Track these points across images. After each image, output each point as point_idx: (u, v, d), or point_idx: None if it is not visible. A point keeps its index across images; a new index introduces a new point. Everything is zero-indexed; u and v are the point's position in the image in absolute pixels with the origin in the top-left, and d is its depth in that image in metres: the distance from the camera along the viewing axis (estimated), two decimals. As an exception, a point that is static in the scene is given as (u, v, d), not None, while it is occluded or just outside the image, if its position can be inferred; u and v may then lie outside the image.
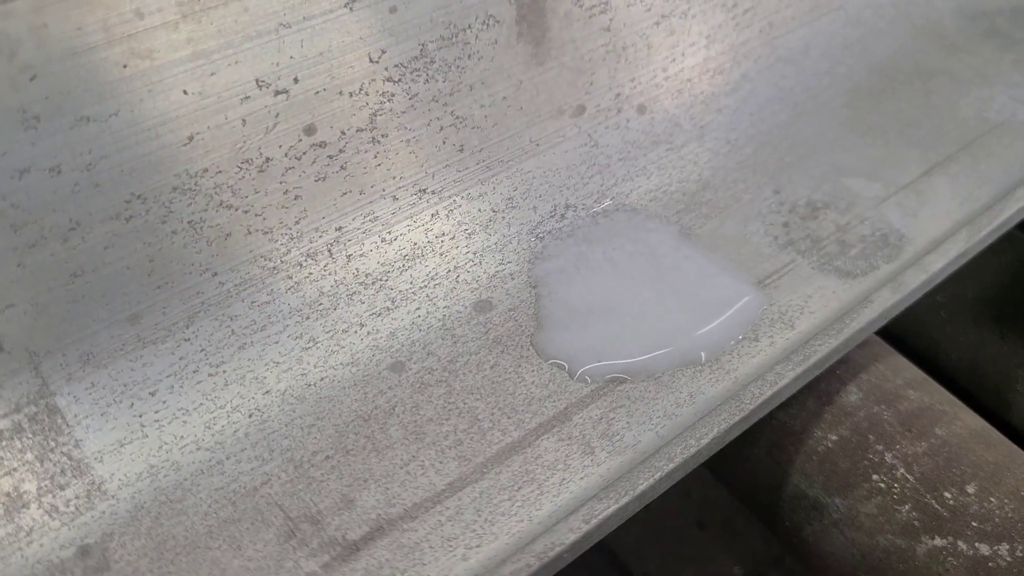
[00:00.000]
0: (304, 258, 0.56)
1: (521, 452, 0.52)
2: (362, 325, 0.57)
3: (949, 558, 0.56)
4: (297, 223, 0.56)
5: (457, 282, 0.60)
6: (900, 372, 0.65)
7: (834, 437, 0.62)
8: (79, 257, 0.48)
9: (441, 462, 0.51)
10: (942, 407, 0.63)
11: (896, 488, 0.59)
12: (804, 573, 0.69)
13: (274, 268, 0.55)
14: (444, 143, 0.61)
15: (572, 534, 0.47)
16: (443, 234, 0.61)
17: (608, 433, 0.53)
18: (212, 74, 0.49)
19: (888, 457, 0.60)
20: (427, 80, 0.58)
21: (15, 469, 0.46)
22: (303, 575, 0.46)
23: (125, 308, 0.50)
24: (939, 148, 0.74)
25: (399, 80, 0.56)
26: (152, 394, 0.51)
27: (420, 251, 0.60)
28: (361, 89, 0.55)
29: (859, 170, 0.72)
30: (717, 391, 0.55)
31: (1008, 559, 0.54)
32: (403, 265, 0.59)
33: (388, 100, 0.57)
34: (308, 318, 0.56)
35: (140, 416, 0.50)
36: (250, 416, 0.52)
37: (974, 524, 0.56)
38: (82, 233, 0.47)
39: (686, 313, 0.60)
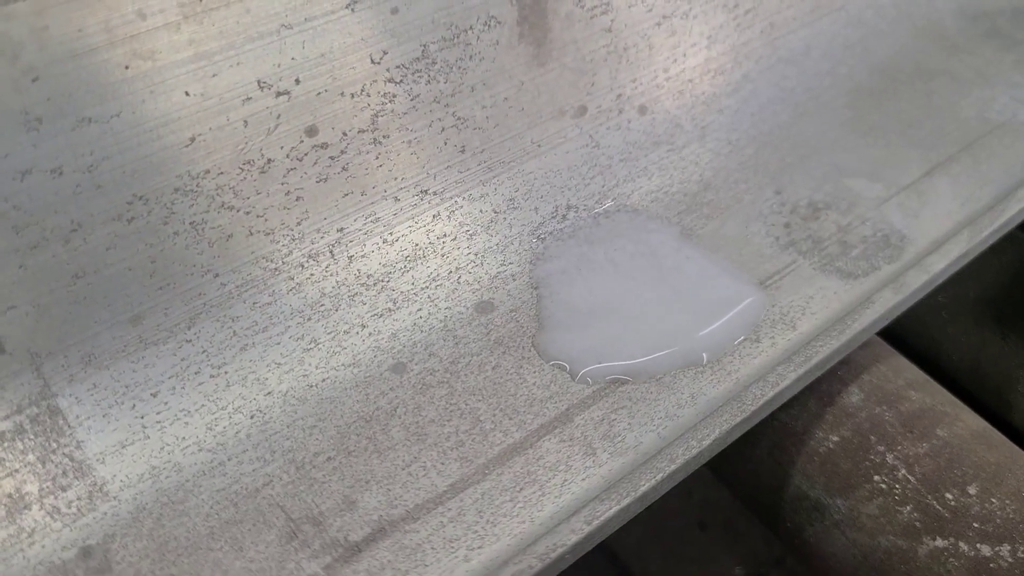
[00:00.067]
0: (306, 259, 0.56)
1: (523, 453, 0.52)
2: (364, 326, 0.57)
3: (950, 559, 0.56)
4: (299, 224, 0.56)
5: (459, 283, 0.60)
6: (901, 373, 0.65)
7: (835, 438, 0.62)
8: (81, 258, 0.48)
9: (443, 463, 0.51)
10: (943, 408, 0.63)
11: (897, 489, 0.59)
12: (806, 574, 0.69)
13: (276, 269, 0.55)
14: (446, 144, 0.61)
15: (574, 535, 0.47)
16: (445, 235, 0.61)
17: (610, 434, 0.53)
18: (214, 75, 0.49)
19: (889, 458, 0.60)
20: (429, 81, 0.58)
21: (17, 470, 0.46)
22: (305, 576, 0.46)
23: (127, 309, 0.50)
24: (940, 149, 0.74)
25: (401, 81, 0.56)
26: (154, 395, 0.51)
27: (422, 252, 0.60)
28: (363, 90, 0.55)
29: (860, 171, 0.72)
30: (719, 392, 0.55)
31: (1010, 560, 0.54)
32: (405, 266, 0.59)
33: (390, 101, 0.57)
34: (310, 319, 0.56)
35: (142, 417, 0.50)
36: (252, 417, 0.52)
37: (975, 525, 0.56)
38: (84, 234, 0.47)
39: (688, 314, 0.60)
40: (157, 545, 0.47)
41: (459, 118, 0.60)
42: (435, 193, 0.61)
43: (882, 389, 0.64)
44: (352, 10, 0.52)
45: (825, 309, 0.60)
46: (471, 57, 0.59)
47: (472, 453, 0.52)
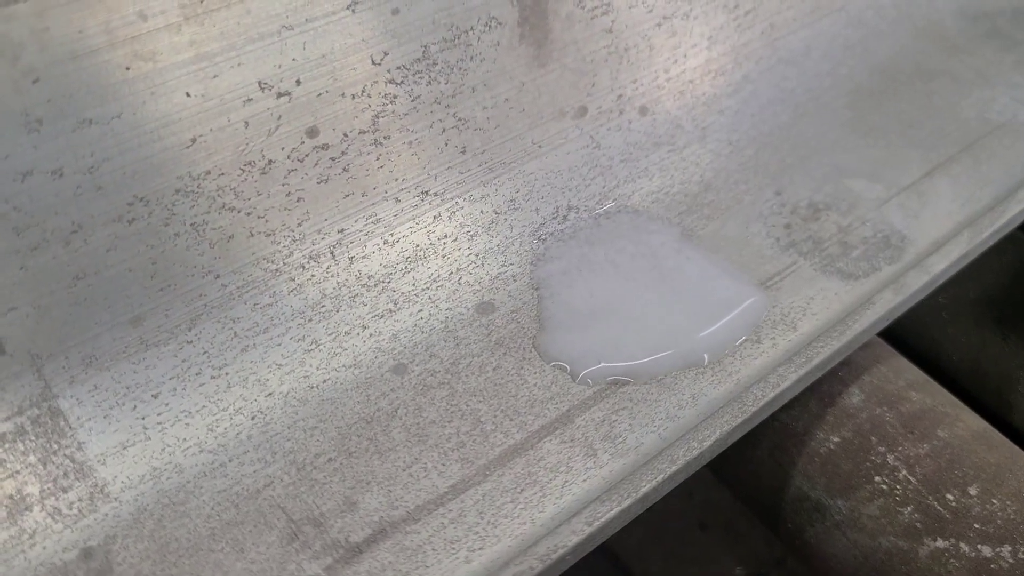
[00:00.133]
0: (306, 260, 0.56)
1: (524, 454, 0.52)
2: (364, 327, 0.57)
3: (951, 560, 0.56)
4: (299, 225, 0.56)
5: (459, 284, 0.60)
6: (902, 374, 0.65)
7: (836, 439, 0.62)
8: (81, 260, 0.48)
9: (444, 464, 0.51)
10: (944, 409, 0.63)
11: (898, 490, 0.59)
12: (806, 575, 0.69)
13: (276, 270, 0.55)
14: (446, 145, 0.61)
15: (575, 536, 0.47)
16: (445, 236, 0.61)
17: (610, 435, 0.53)
18: (215, 76, 0.49)
19: (890, 459, 0.60)
20: (429, 82, 0.58)
21: (18, 472, 0.46)
22: (306, 578, 0.46)
23: (127, 310, 0.50)
24: (941, 149, 0.74)
25: (401, 82, 0.56)
26: (155, 396, 0.51)
27: (422, 253, 0.60)
28: (363, 91, 0.55)
29: (861, 171, 0.72)
30: (719, 393, 0.55)
31: (1010, 561, 0.54)
32: (405, 267, 0.59)
33: (390, 102, 0.57)
34: (310, 320, 0.56)
35: (143, 418, 0.50)
36: (253, 418, 0.52)
37: (976, 526, 0.56)
38: (84, 236, 0.47)
39: (688, 315, 0.60)
40: (158, 546, 0.47)
41: (460, 119, 0.60)
42: (436, 194, 0.61)
43: (883, 390, 0.64)
44: (353, 11, 0.52)
45: (826, 310, 0.60)
46: (472, 58, 0.59)
47: (473, 454, 0.52)
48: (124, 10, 0.44)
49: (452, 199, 0.62)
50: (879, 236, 0.66)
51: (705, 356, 0.57)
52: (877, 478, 0.60)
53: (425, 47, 0.56)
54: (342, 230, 0.57)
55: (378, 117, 0.56)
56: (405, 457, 0.51)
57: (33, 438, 0.47)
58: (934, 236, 0.66)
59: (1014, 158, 0.74)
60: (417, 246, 0.60)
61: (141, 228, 0.49)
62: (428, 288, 0.59)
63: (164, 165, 0.49)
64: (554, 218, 0.65)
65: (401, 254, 0.59)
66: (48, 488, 0.47)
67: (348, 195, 0.57)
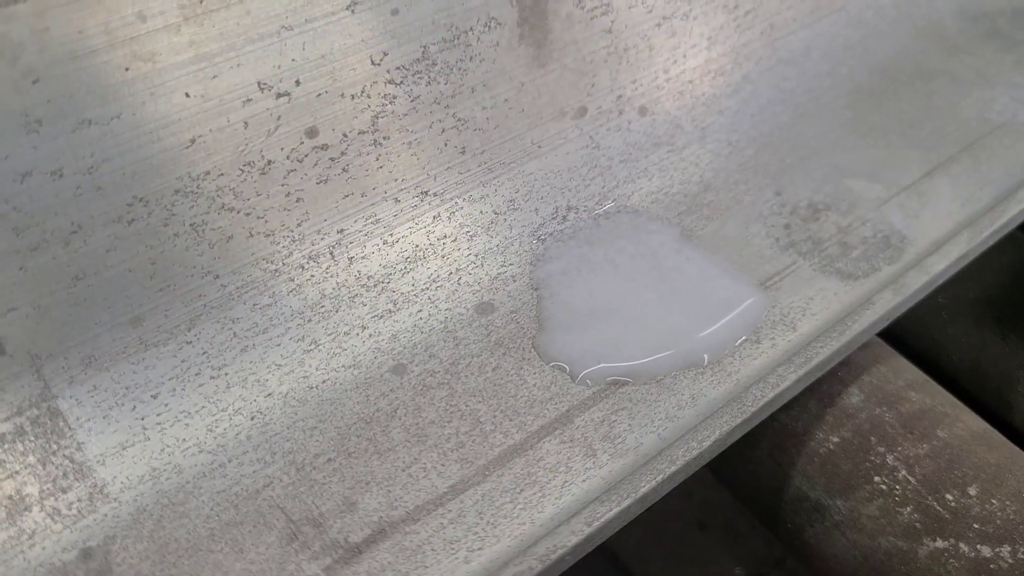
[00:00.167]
0: (306, 260, 0.56)
1: (523, 454, 0.52)
2: (364, 327, 0.57)
3: (951, 560, 0.56)
4: (299, 225, 0.56)
5: (459, 284, 0.60)
6: (901, 374, 0.65)
7: (836, 439, 0.62)
8: (81, 260, 0.48)
9: (443, 464, 0.51)
10: (943, 409, 0.63)
11: (898, 490, 0.59)
12: (806, 575, 0.69)
13: (276, 271, 0.55)
14: (446, 145, 0.61)
15: (574, 536, 0.47)
16: (445, 236, 0.61)
17: (610, 435, 0.53)
18: (214, 77, 0.49)
19: (890, 459, 0.60)
20: (429, 82, 0.58)
21: (17, 472, 0.46)
22: (305, 578, 0.46)
23: (127, 311, 0.50)
24: (941, 149, 0.74)
25: (401, 82, 0.56)
26: (154, 397, 0.51)
27: (422, 253, 0.60)
28: (363, 91, 0.55)
29: (860, 171, 0.72)
30: (719, 393, 0.55)
31: (1010, 561, 0.54)
32: (405, 267, 0.59)
33: (390, 102, 0.57)
34: (310, 320, 0.56)
35: (142, 419, 0.50)
36: (252, 419, 0.52)
37: (976, 526, 0.56)
38: (84, 236, 0.47)
39: (688, 315, 0.60)
40: (158, 547, 0.47)
41: (459, 119, 0.60)
42: (435, 194, 0.61)
43: (882, 390, 0.64)
44: (352, 11, 0.52)
45: (825, 310, 0.60)
46: (471, 58, 0.59)
47: (472, 454, 0.52)
48: (123, 11, 0.44)
49: (451, 199, 0.62)
50: (879, 236, 0.66)
51: (705, 356, 0.57)
52: (877, 478, 0.60)
53: (424, 47, 0.57)
54: (341, 230, 0.57)
55: (377, 117, 0.56)
56: (404, 457, 0.51)
57: (32, 438, 0.47)
58: (934, 236, 0.66)
59: (1014, 158, 0.74)
60: (416, 246, 0.60)
61: (141, 228, 0.49)
62: (427, 288, 0.59)
63: (163, 166, 0.49)
64: (553, 218, 0.65)
65: (400, 254, 0.59)
66: (47, 488, 0.47)
67: (347, 195, 0.57)
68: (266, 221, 0.54)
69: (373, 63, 0.55)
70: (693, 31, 0.72)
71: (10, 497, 0.46)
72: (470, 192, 0.62)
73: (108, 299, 0.49)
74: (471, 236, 0.62)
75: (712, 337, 0.58)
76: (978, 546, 0.55)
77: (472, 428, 0.53)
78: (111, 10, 0.44)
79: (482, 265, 0.62)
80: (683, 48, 0.71)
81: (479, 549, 0.47)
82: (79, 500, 0.47)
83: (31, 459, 0.47)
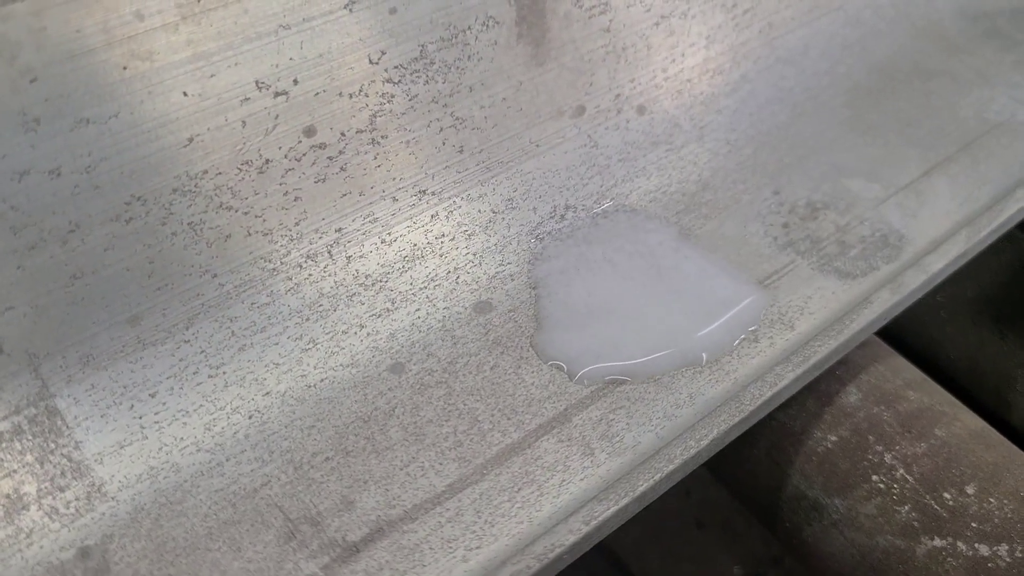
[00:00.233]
0: (304, 259, 0.56)
1: (521, 453, 0.52)
2: (362, 326, 0.57)
3: (948, 559, 0.56)
4: (297, 224, 0.56)
5: (457, 283, 0.60)
6: (900, 373, 0.66)
7: (834, 438, 0.62)
8: (79, 259, 0.48)
9: (441, 463, 0.51)
10: (942, 408, 0.63)
11: (896, 489, 0.59)
12: (804, 574, 0.69)
13: (274, 270, 0.55)
14: (444, 144, 0.61)
15: (572, 535, 0.47)
16: (443, 235, 0.61)
17: (608, 434, 0.53)
18: (212, 76, 0.49)
19: (888, 458, 0.60)
20: (427, 81, 0.58)
21: (15, 471, 0.46)
22: (303, 577, 0.46)
23: (125, 310, 0.50)
24: (939, 148, 0.74)
25: (399, 81, 0.56)
26: (152, 396, 0.51)
27: (420, 252, 0.60)
28: (361, 90, 0.55)
29: (859, 170, 0.72)
30: (717, 392, 0.55)
31: (1007, 560, 0.54)
32: (403, 266, 0.59)
33: (388, 101, 0.57)
34: (308, 319, 0.56)
35: (140, 418, 0.50)
36: (250, 418, 0.52)
37: (973, 525, 0.56)
38: (82, 235, 0.47)
39: (686, 314, 0.60)
40: (155, 545, 0.47)
41: (457, 118, 0.60)
42: (433, 193, 0.61)
43: (880, 389, 0.64)
44: (350, 10, 0.52)
45: (823, 309, 0.60)
46: (469, 57, 0.59)
47: (470, 453, 0.52)
48: (121, 10, 0.44)
49: (450, 198, 0.62)
50: (877, 235, 0.66)
51: (703, 355, 0.57)
52: (875, 477, 0.60)
53: (423, 46, 0.57)
54: (340, 229, 0.57)
55: (375, 116, 0.56)
56: (402, 456, 0.52)
57: (30, 437, 0.47)
58: (932, 235, 0.66)
59: (1012, 157, 0.74)
60: (415, 245, 0.60)
61: (138, 227, 0.49)
62: (426, 287, 0.59)
63: (161, 164, 0.49)
64: (552, 217, 0.65)
65: (399, 253, 0.59)
66: (45, 487, 0.47)
67: (345, 194, 0.57)
68: (264, 220, 0.54)
69: (371, 62, 0.55)
70: (691, 30, 0.72)
71: (8, 496, 0.46)
72: (468, 191, 0.62)
73: (106, 298, 0.49)
74: (469, 235, 0.62)
75: (711, 336, 0.58)
76: (976, 545, 0.56)
77: (470, 427, 0.53)
78: (109, 9, 0.44)
79: (480, 264, 0.62)
80: (681, 47, 0.71)
81: (477, 548, 0.47)
82: (77, 499, 0.47)
83: (29, 458, 0.47)
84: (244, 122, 0.51)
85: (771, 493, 0.65)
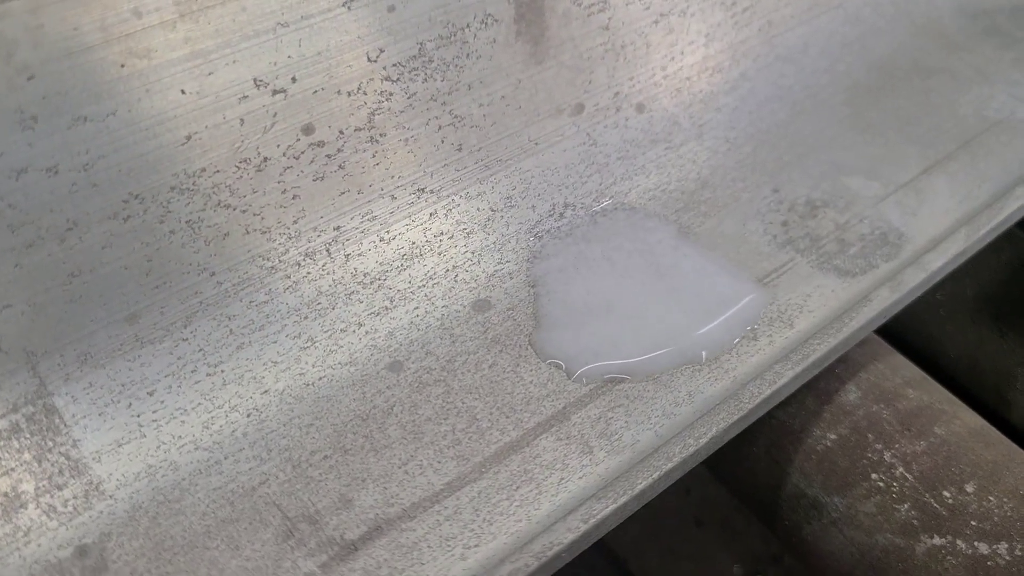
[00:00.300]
0: (302, 257, 0.56)
1: (519, 451, 0.52)
2: (360, 324, 0.57)
3: (948, 557, 0.56)
4: (295, 222, 0.55)
5: (455, 281, 0.60)
6: (899, 371, 0.65)
7: (833, 436, 0.62)
8: (77, 257, 0.48)
9: (439, 462, 0.51)
10: (941, 406, 0.63)
11: (895, 487, 0.59)
12: (803, 572, 0.69)
13: (272, 268, 0.55)
14: (442, 142, 0.60)
15: (570, 534, 0.47)
16: (441, 233, 0.61)
17: (607, 432, 0.53)
18: (210, 73, 0.49)
19: (887, 456, 0.60)
20: (425, 79, 0.58)
21: (13, 469, 0.46)
22: (301, 575, 0.46)
23: (123, 308, 0.50)
24: (938, 146, 0.74)
25: (397, 79, 0.56)
26: (150, 394, 0.51)
27: (418, 250, 0.60)
28: (359, 88, 0.55)
29: (858, 168, 0.72)
30: (716, 390, 0.55)
31: (1007, 558, 0.54)
32: (401, 264, 0.59)
33: (386, 99, 0.56)
34: (306, 318, 0.56)
35: (138, 416, 0.50)
36: (248, 416, 0.52)
37: (973, 523, 0.56)
38: (80, 233, 0.47)
39: (686, 312, 0.60)
40: (153, 544, 0.47)
41: (456, 116, 0.60)
42: (432, 191, 0.61)
43: (880, 387, 0.64)
44: (348, 8, 0.52)
45: (823, 307, 0.60)
46: (468, 55, 0.59)
47: (469, 451, 0.52)
48: (119, 7, 0.44)
49: (448, 196, 0.62)
50: (876, 233, 0.66)
51: (703, 353, 0.57)
52: (874, 475, 0.60)
53: (421, 44, 0.56)
54: (338, 227, 0.57)
55: (374, 114, 0.56)
56: (401, 454, 0.51)
57: (28, 435, 0.47)
58: (931, 233, 0.66)
59: (1012, 155, 0.73)
60: (413, 243, 0.60)
61: (136, 225, 0.49)
62: (424, 286, 0.59)
63: (159, 162, 0.49)
64: (551, 215, 0.65)
65: (397, 251, 0.59)
66: (43, 485, 0.47)
67: (344, 192, 0.57)
68: (262, 218, 0.54)
69: (369, 60, 0.55)
70: (691, 28, 0.71)
71: (6, 494, 0.46)
72: (467, 189, 0.62)
73: (104, 296, 0.49)
74: (468, 233, 0.62)
75: (710, 334, 0.58)
76: (975, 543, 0.55)
77: (468, 425, 0.53)
78: (107, 6, 0.44)
79: (479, 262, 0.61)
80: (680, 45, 0.71)
81: (475, 546, 0.47)
82: (75, 497, 0.47)
83: (27, 456, 0.47)
84: (242, 120, 0.51)
85: (770, 491, 0.65)
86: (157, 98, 0.47)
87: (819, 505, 0.61)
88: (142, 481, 0.49)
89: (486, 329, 0.59)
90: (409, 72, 0.57)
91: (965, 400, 0.66)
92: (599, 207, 0.67)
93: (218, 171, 0.51)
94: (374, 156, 0.57)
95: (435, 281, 0.60)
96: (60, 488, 0.47)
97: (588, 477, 0.51)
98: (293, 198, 0.55)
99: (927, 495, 0.58)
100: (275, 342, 0.54)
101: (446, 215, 0.61)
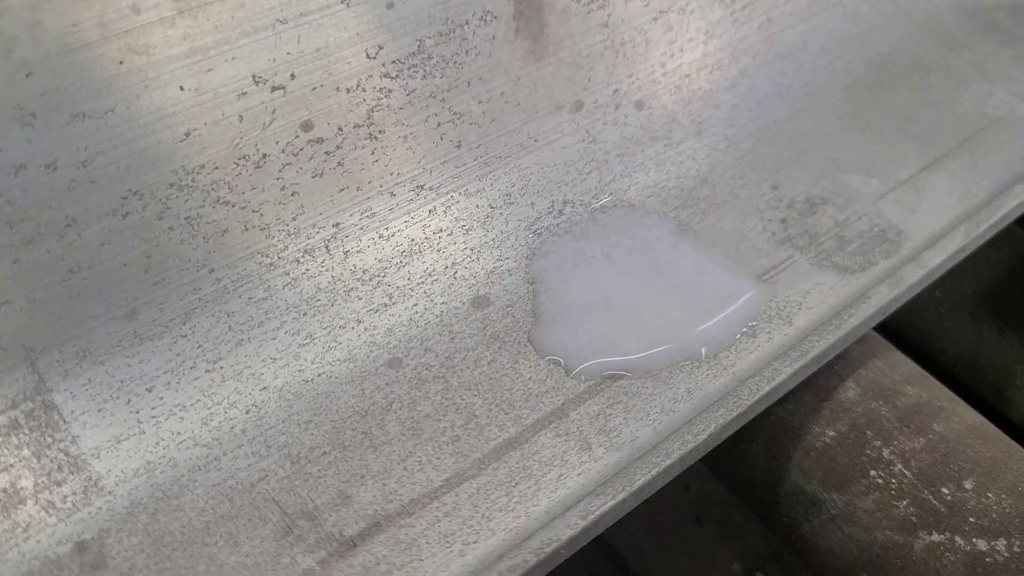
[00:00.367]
0: (301, 254, 0.56)
1: (518, 448, 0.52)
2: (359, 321, 0.57)
3: (946, 553, 0.56)
4: (294, 219, 0.55)
5: (455, 278, 0.60)
6: (898, 368, 0.65)
7: (832, 433, 0.62)
8: (75, 253, 0.48)
9: (438, 458, 0.51)
10: (940, 403, 0.63)
11: (894, 484, 0.59)
12: (802, 569, 0.69)
13: (271, 264, 0.55)
14: (441, 139, 0.61)
15: (569, 530, 0.47)
16: (441, 230, 0.61)
17: (605, 429, 0.53)
18: (209, 70, 0.49)
19: (886, 453, 0.60)
20: (424, 76, 0.58)
21: (12, 465, 0.46)
22: (300, 571, 0.46)
23: (122, 304, 0.50)
24: (937, 144, 0.74)
25: (396, 76, 0.56)
26: (149, 390, 0.51)
27: (418, 247, 0.60)
28: (358, 85, 0.55)
29: (857, 166, 0.72)
30: (715, 387, 0.55)
31: (1005, 554, 0.54)
32: (400, 261, 0.59)
33: (385, 96, 0.56)
34: (305, 314, 0.56)
35: (137, 412, 0.50)
36: (247, 412, 0.52)
37: (971, 520, 0.56)
38: (78, 229, 0.47)
39: (685, 309, 0.60)
40: (152, 540, 0.47)
41: (455, 113, 0.60)
42: (431, 188, 0.61)
43: (878, 384, 0.64)
44: (348, 5, 0.52)
45: (821, 304, 0.60)
46: (467, 52, 0.59)
47: (467, 448, 0.52)
48: (118, 4, 0.44)
49: (447, 193, 0.62)
50: (875, 230, 0.66)
51: (703, 351, 0.57)
52: (872, 472, 0.60)
53: (420, 41, 0.56)
54: (337, 224, 0.57)
55: (373, 111, 0.56)
56: (400, 451, 0.52)
57: (27, 432, 0.47)
58: (930, 230, 0.66)
59: (1011, 153, 0.73)
60: (412, 240, 0.60)
61: (135, 222, 0.49)
62: (423, 282, 0.59)
63: (158, 159, 0.49)
64: (550, 212, 0.65)
65: (396, 248, 0.59)
66: (42, 482, 0.47)
67: (343, 189, 0.57)
68: (261, 215, 0.54)
69: (368, 57, 0.55)
70: (690, 25, 0.71)
71: (5, 490, 0.46)
72: (466, 186, 0.62)
73: (103, 292, 0.49)
74: (467, 230, 0.62)
75: (710, 332, 0.58)
76: (974, 539, 0.56)
77: (467, 421, 0.53)
78: (105, 3, 0.44)
79: (478, 259, 0.62)
80: (680, 42, 0.71)
81: (474, 542, 0.47)
82: (74, 493, 0.47)
83: (26, 452, 0.47)
84: (241, 117, 0.51)
85: (769, 488, 0.65)
86: (156, 94, 0.47)
87: (818, 502, 0.61)
88: (141, 477, 0.49)
89: (485, 326, 0.59)
90: (408, 69, 0.57)
91: (965, 397, 0.66)
92: (598, 204, 0.67)
93: (217, 168, 0.51)
94: (373, 153, 0.57)
95: (434, 278, 0.60)
96: (59, 484, 0.47)
97: (587, 473, 0.51)
98: (292, 195, 0.55)
99: (926, 492, 0.58)
100: (274, 339, 0.54)
101: (445, 212, 0.61)
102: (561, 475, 0.50)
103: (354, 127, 0.56)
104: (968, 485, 0.58)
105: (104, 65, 0.45)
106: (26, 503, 0.46)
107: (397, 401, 0.54)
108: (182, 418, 0.51)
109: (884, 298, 0.60)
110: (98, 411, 0.49)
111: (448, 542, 0.47)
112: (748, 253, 0.64)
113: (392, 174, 0.59)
